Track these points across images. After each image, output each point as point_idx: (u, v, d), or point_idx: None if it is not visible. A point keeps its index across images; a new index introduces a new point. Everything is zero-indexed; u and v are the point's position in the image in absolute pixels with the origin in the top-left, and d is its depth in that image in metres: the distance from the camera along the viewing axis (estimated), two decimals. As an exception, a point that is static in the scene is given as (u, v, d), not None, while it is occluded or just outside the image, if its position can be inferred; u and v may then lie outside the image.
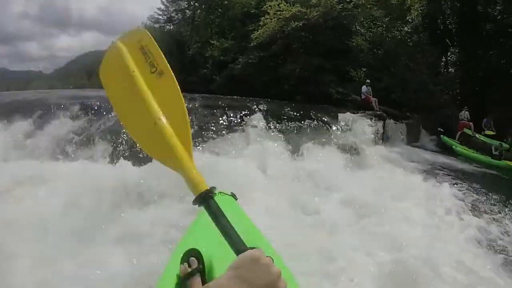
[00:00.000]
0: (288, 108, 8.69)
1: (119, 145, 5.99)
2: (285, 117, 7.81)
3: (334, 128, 7.98)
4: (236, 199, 2.64)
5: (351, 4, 15.37)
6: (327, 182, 5.02)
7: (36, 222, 3.05)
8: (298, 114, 8.19)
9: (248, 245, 0.95)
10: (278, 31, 16.92)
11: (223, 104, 8.45)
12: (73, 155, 5.68)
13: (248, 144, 6.39)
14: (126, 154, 5.75)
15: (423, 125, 11.02)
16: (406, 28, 13.72)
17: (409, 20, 14.11)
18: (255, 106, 8.09)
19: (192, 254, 1.66)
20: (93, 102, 7.75)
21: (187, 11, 30.52)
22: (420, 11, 13.97)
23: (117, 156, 5.69)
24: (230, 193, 2.68)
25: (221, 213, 0.95)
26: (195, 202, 0.95)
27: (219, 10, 25.65)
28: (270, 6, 17.32)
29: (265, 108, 8.07)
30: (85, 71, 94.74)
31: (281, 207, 4.02)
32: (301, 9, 16.10)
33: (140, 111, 1.02)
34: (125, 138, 6.02)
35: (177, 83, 1.01)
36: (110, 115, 6.93)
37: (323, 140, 7.30)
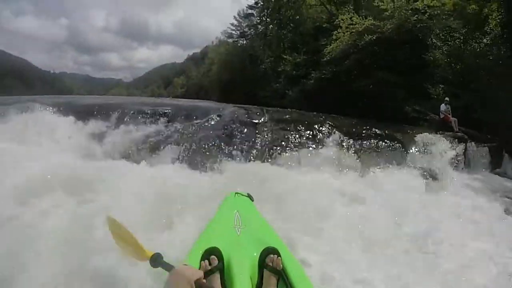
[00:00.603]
0: (362, 126, 8.43)
1: (185, 152, 6.27)
2: (359, 135, 7.63)
3: (411, 150, 7.64)
4: (252, 200, 2.97)
5: (426, 15, 14.74)
6: (408, 214, 4.61)
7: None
8: (372, 133, 7.98)
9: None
10: (351, 45, 16.59)
11: (294, 119, 8.45)
12: (140, 157, 5.88)
13: (318, 162, 6.37)
14: (191, 160, 6.02)
15: (505, 149, 10.01)
16: (485, 40, 12.67)
17: (488, 30, 13.06)
18: (327, 122, 7.93)
19: (213, 252, 1.86)
20: (167, 110, 8.21)
21: (259, 26, 31.70)
22: (498, 21, 12.89)
23: (181, 161, 5.98)
24: (246, 194, 3.01)
25: (165, 261, 1.62)
26: (151, 263, 1.64)
27: (291, 25, 26.23)
28: (342, 19, 17.21)
29: (338, 125, 7.91)
30: (162, 81, 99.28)
31: (352, 242, 3.65)
32: (374, 22, 15.74)
33: (124, 243, 1.87)
34: (193, 146, 6.41)
35: (129, 231, 1.87)
36: (181, 124, 7.41)
37: (399, 162, 7.08)
